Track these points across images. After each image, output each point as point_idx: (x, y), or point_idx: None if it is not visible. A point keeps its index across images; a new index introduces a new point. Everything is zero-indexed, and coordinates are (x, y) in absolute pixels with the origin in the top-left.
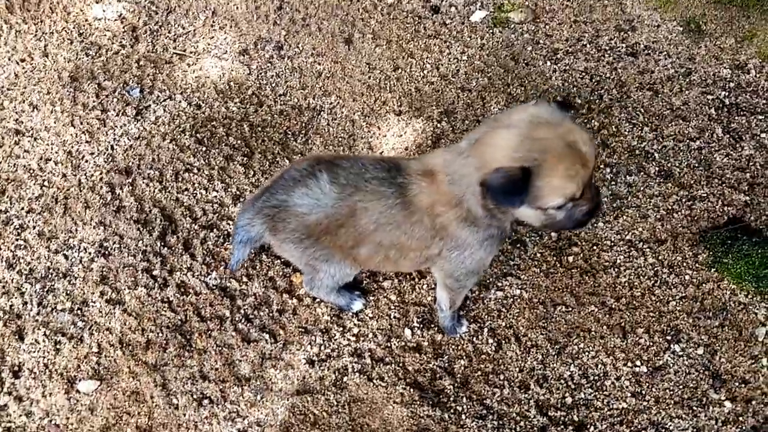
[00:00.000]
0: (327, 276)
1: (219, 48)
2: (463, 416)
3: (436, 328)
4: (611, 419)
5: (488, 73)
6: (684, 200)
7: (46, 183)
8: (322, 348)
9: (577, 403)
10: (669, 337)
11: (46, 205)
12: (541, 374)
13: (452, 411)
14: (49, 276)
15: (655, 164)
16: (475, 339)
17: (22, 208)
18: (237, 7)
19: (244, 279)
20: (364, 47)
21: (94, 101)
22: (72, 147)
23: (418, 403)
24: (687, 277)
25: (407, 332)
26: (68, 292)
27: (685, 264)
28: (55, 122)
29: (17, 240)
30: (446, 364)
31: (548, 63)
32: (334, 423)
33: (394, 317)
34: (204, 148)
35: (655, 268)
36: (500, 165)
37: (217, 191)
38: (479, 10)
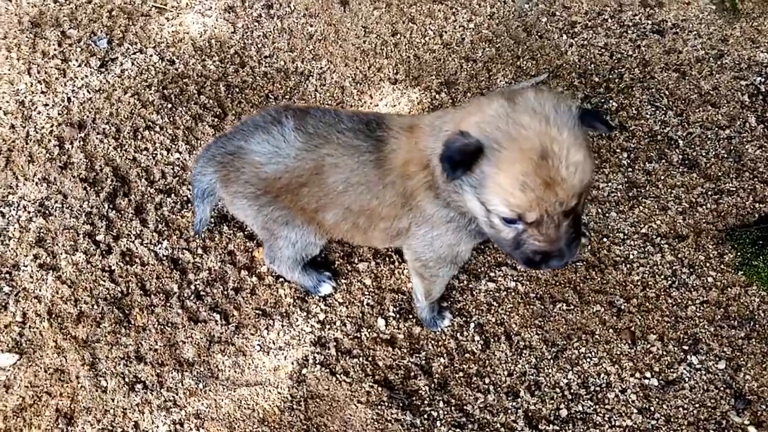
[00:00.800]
0: (287, 244)
1: (203, 4)
2: (438, 423)
3: (414, 320)
4: None
5: (496, 43)
6: (710, 193)
7: None
8: (281, 334)
9: (574, 417)
10: (686, 347)
11: None
12: (533, 380)
13: (425, 416)
14: None
15: (679, 152)
16: (459, 335)
17: None
18: None
19: (199, 251)
20: (361, 9)
21: (55, 49)
22: (25, 96)
23: (386, 404)
24: (710, 279)
25: (380, 322)
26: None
27: (708, 264)
28: (9, 69)
29: None
30: (423, 362)
31: (564, 36)
32: (286, 421)
33: (368, 304)
34: (170, 105)
35: (674, 267)
36: (468, 130)
37: (180, 153)
38: None
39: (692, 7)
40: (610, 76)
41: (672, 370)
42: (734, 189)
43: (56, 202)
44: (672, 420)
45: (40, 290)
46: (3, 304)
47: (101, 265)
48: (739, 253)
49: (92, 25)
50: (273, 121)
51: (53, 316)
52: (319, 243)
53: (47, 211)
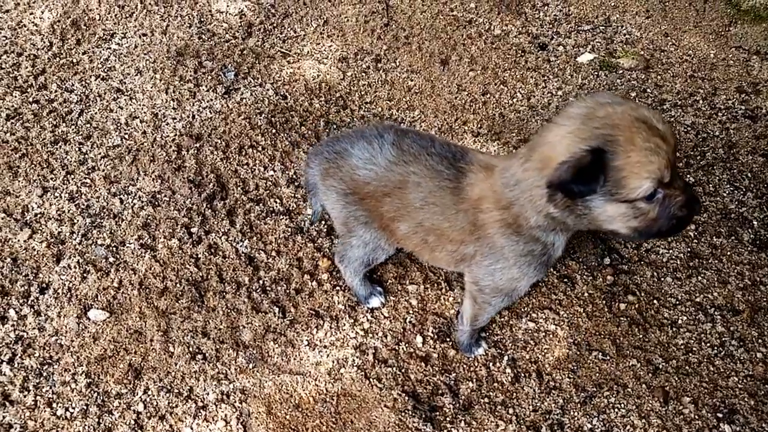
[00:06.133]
0: (360, 243)
1: (322, 53)
2: None
3: (450, 343)
4: None
5: None
6: None
7: (126, 136)
8: (328, 335)
9: None
10: (720, 415)
11: (119, 153)
12: (557, 420)
13: (445, 431)
14: (101, 214)
15: (752, 232)
16: (491, 365)
17: (99, 153)
18: (348, 20)
19: (273, 253)
20: (458, 70)
21: (191, 76)
22: (159, 110)
23: (411, 413)
24: (759, 355)
25: (419, 339)
26: (112, 231)
27: (761, 341)
28: (152, 87)
29: (85, 179)
30: (452, 382)
31: None
32: (318, 410)
33: (410, 322)
34: (274, 131)
35: (723, 339)
36: (564, 158)
37: (274, 171)
38: (588, 52)
39: None
40: (692, 153)
41: None
42: None
43: (165, 196)
44: None
45: (137, 264)
46: (106, 270)
47: (190, 252)
48: None
49: (225, 60)
50: (377, 134)
51: (143, 287)
52: (388, 250)
53: (156, 202)
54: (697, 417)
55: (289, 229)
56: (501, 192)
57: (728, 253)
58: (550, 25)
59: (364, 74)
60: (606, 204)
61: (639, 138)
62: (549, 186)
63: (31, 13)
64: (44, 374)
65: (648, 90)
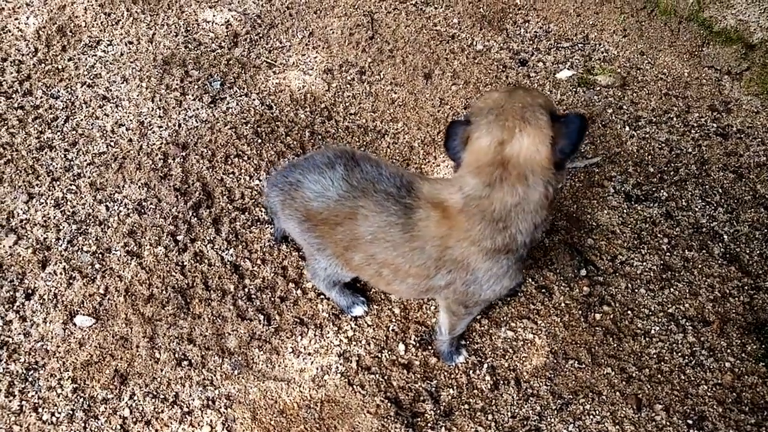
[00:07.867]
0: (320, 267)
1: (307, 65)
2: None
3: (432, 351)
4: None
5: None
6: (746, 288)
7: (112, 143)
8: (312, 342)
9: None
10: (690, 422)
11: (105, 161)
12: (534, 426)
13: None
14: (87, 221)
15: (722, 246)
16: (471, 372)
17: (85, 161)
18: (333, 32)
19: (258, 261)
20: (441, 83)
21: (177, 84)
22: (145, 118)
23: (393, 419)
24: (727, 364)
25: (401, 347)
26: (98, 237)
27: (729, 351)
28: (138, 95)
29: (71, 185)
30: (433, 389)
31: (627, 128)
32: (302, 416)
33: (393, 330)
34: (260, 140)
35: (693, 348)
36: (549, 146)
37: (260, 180)
38: (567, 69)
39: (760, 116)
40: (666, 169)
41: None
42: None
43: (151, 204)
44: None
45: (123, 271)
46: (92, 277)
47: (176, 260)
48: (763, 345)
49: (211, 69)
50: (328, 164)
51: (129, 293)
52: (348, 275)
53: (142, 210)
54: (668, 423)
55: (274, 238)
56: (483, 229)
57: (699, 266)
58: (531, 42)
59: (348, 86)
60: None
61: (539, 95)
62: (559, 166)
63: (16, 19)
64: (30, 379)
65: (624, 107)
